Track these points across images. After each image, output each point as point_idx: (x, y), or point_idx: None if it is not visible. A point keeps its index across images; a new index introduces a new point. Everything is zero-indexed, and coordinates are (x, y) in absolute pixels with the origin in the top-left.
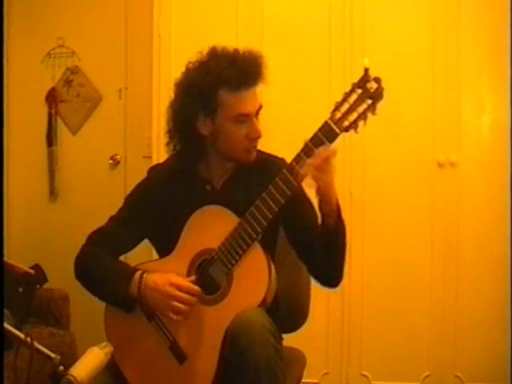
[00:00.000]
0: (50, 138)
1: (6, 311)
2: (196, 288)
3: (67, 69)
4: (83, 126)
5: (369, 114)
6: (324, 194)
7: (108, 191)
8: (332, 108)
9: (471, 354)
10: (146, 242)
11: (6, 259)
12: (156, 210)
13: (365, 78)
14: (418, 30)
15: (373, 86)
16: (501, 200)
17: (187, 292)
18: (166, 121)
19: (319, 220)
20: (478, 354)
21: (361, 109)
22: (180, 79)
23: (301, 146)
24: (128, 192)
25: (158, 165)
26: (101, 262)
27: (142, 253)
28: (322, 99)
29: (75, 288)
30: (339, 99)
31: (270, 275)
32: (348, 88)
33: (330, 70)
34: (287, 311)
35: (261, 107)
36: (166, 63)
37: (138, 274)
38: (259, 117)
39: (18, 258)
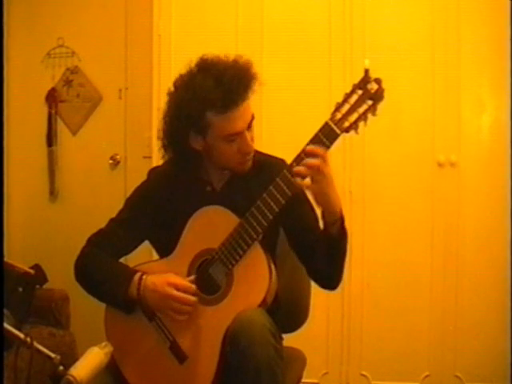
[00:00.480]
0: (50, 138)
1: (5, 311)
2: (193, 286)
3: (67, 69)
4: (83, 126)
5: (369, 115)
6: (322, 204)
7: (108, 191)
8: (332, 109)
9: (471, 354)
10: (146, 243)
11: (6, 259)
12: (156, 211)
13: (365, 79)
14: (418, 29)
15: (373, 86)
16: (501, 200)
17: (185, 291)
18: (158, 136)
19: (320, 223)
20: (478, 354)
21: (361, 110)
22: (170, 92)
23: (301, 146)
24: (128, 192)
25: (157, 167)
26: (101, 264)
27: (142, 253)
28: (322, 100)
29: (75, 288)
30: (339, 100)
31: (270, 275)
32: (348, 89)
33: (330, 71)
34: (287, 311)
35: (253, 118)
36: (165, 63)
37: (137, 276)
38: (253, 125)
39: (18, 258)
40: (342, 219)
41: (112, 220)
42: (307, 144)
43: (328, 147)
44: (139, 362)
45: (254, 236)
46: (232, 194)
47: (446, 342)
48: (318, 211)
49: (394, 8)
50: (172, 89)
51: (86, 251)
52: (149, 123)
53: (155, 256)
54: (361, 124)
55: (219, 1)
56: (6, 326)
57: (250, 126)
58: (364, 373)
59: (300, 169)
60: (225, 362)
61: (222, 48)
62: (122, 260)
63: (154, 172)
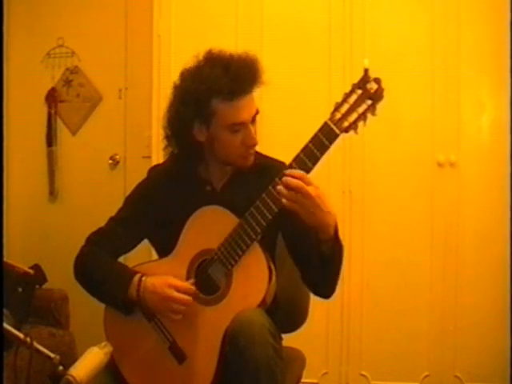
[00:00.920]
0: (50, 138)
1: (5, 311)
2: (193, 288)
3: (67, 69)
4: (83, 126)
5: (368, 115)
6: (309, 223)
7: (108, 191)
8: (332, 109)
9: (471, 354)
10: (145, 242)
11: (5, 259)
12: (156, 210)
13: (365, 79)
14: (417, 30)
15: (373, 86)
16: (501, 200)
17: (185, 293)
18: (163, 126)
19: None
20: (478, 354)
21: (361, 109)
22: (176, 85)
23: (301, 146)
24: (128, 192)
25: (157, 165)
26: (100, 264)
27: (141, 253)
28: (321, 100)
29: (75, 288)
30: (339, 100)
31: (269, 276)
32: (348, 88)
33: (330, 71)
34: (287, 311)
35: (257, 112)
36: (165, 63)
37: (136, 278)
38: (257, 120)
39: (18, 258)
40: (334, 239)
41: (111, 218)
42: (307, 144)
43: (322, 154)
44: (138, 362)
45: (253, 236)
46: (232, 194)
47: (446, 341)
48: None
49: (393, 8)
50: (178, 81)
51: (86, 250)
52: (148, 123)
53: (155, 256)
54: (360, 124)
55: (219, 1)
56: (6, 326)
57: (254, 120)
58: (363, 373)
59: (280, 189)
60: (224, 362)
61: (222, 48)
62: (121, 259)
63: (154, 170)
